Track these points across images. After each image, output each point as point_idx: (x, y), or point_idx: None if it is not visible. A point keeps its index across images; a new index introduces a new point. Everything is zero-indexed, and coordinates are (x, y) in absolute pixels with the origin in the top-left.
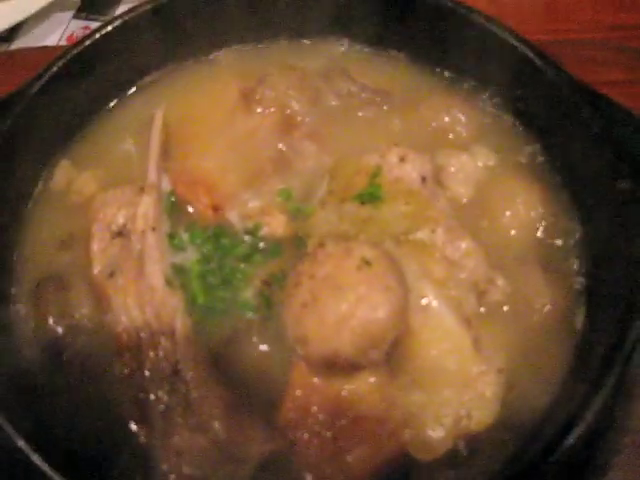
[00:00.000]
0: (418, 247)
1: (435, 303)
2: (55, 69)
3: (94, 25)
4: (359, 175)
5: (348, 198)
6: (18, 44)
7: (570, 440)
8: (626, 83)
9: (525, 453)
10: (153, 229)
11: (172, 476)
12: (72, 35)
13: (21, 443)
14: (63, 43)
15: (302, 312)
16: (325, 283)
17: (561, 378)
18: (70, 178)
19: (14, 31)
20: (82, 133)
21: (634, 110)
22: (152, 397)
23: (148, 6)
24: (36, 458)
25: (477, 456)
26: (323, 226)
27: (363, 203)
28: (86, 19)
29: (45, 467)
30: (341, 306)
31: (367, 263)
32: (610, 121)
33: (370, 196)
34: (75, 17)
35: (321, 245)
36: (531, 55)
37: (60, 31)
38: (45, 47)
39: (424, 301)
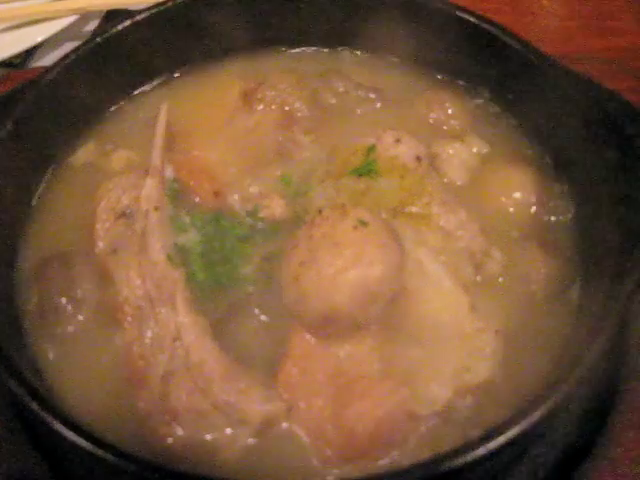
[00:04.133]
0: (414, 218)
1: (432, 267)
2: (68, 61)
3: None
4: (355, 155)
5: (344, 174)
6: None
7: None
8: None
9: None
10: (156, 209)
11: (169, 439)
12: None
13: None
14: None
15: (300, 270)
16: (322, 242)
17: (559, 343)
18: (91, 157)
19: (28, 57)
20: (97, 125)
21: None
22: (152, 362)
23: (156, 14)
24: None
25: (478, 412)
26: (321, 200)
27: (360, 177)
28: None
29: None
30: (338, 261)
31: (363, 223)
32: (595, 100)
33: (366, 169)
34: None
35: (319, 211)
36: (517, 46)
37: None
38: None
39: (420, 264)
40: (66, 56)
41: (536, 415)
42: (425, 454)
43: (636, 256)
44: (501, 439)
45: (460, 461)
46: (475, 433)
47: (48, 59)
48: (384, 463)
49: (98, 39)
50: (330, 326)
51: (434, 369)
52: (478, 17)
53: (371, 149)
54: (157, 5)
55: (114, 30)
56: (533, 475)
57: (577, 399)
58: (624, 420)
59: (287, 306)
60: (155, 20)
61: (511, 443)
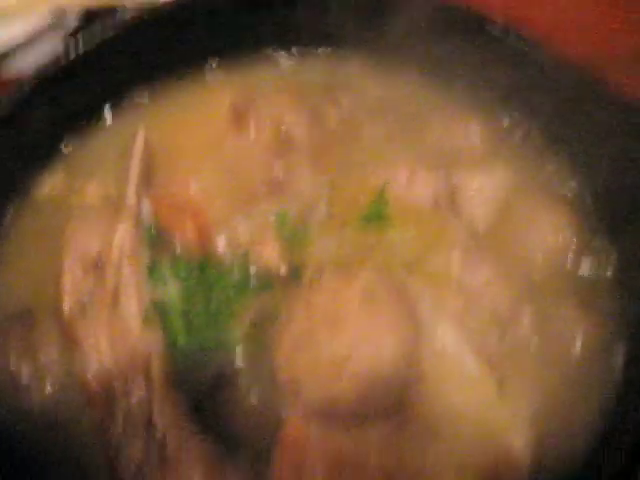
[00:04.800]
0: (431, 276)
1: (452, 341)
2: (37, 81)
3: None
4: (363, 195)
5: (350, 221)
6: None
7: None
8: None
9: None
10: (130, 260)
11: None
12: None
13: None
14: None
15: (295, 352)
16: (322, 318)
17: (600, 424)
18: (58, 187)
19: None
20: (69, 148)
21: None
22: (124, 454)
23: (131, 21)
24: None
25: None
26: (322, 253)
27: (368, 225)
28: None
29: None
30: (340, 345)
31: (371, 294)
32: None
33: (375, 216)
34: None
35: (319, 274)
36: (553, 63)
37: None
38: None
39: (439, 339)
40: (29, 78)
41: None
42: None
43: None
44: None
45: None
46: None
47: (23, 62)
48: None
49: (65, 56)
50: (330, 417)
51: (454, 466)
52: (512, 30)
53: (382, 191)
54: (133, 17)
55: (86, 43)
56: None
57: None
58: None
59: (281, 387)
60: (132, 29)
61: None
